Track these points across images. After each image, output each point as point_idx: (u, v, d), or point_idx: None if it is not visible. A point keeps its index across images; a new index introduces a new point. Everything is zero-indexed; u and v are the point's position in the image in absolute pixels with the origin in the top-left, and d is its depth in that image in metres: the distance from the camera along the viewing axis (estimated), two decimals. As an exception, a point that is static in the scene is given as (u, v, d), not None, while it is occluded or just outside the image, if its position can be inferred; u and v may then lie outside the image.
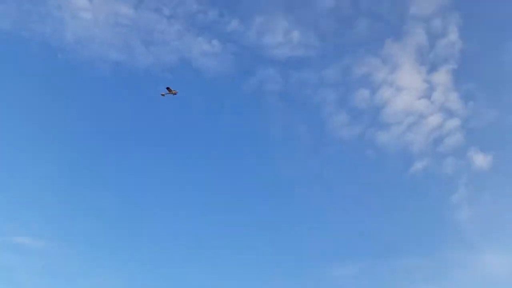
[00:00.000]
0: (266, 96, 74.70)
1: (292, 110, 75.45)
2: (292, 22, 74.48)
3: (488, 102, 67.35)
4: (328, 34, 74.25)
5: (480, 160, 64.68)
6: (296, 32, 74.01)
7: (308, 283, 58.83)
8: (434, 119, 68.21)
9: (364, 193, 67.70)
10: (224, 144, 74.99)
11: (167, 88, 56.39)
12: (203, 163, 73.21)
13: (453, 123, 67.48)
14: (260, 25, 74.89)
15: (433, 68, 70.03)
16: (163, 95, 57.26)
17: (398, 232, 63.35)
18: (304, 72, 74.65)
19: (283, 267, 61.58)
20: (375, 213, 65.79)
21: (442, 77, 69.25)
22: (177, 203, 68.83)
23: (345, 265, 60.33)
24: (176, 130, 75.54)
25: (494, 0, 70.90)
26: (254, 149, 74.00)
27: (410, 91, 69.96)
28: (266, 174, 71.04)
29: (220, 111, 77.05)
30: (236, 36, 74.73)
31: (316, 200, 68.12)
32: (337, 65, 73.51)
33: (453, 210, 63.61)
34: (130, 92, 76.73)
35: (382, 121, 70.00)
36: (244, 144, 74.40)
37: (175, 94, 56.53)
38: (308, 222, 66.29)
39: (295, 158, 71.68)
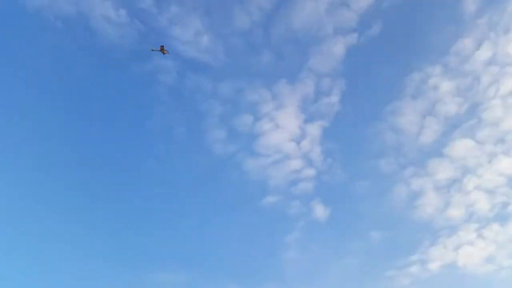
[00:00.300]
0: (156, 86, 74.38)
1: (177, 109, 76.02)
2: (206, 27, 74.46)
3: (342, 164, 73.16)
4: (235, 52, 76.02)
5: (320, 210, 69.70)
6: (206, 37, 74.55)
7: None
8: (296, 163, 73.39)
9: (214, 209, 71.47)
10: (96, 130, 73.17)
11: (161, 47, 54.69)
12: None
13: (310, 172, 72.52)
14: (174, 15, 73.26)
15: (310, 119, 75.27)
16: (153, 50, 55.62)
17: (226, 254, 67.50)
18: (201, 78, 75.86)
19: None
20: (216, 230, 69.88)
21: (314, 129, 74.39)
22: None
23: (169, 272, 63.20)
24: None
25: (374, 80, 76.54)
26: (122, 138, 74.17)
27: (285, 132, 75.04)
28: (127, 169, 72.10)
29: (103, 84, 74.90)
30: (146, 15, 72.49)
31: (166, 204, 70.87)
32: (233, 83, 75.81)
33: (284, 248, 68.40)
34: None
35: (254, 149, 74.20)
36: (112, 131, 73.89)
37: (165, 54, 55.60)
38: (149, 227, 68.45)
39: (161, 158, 73.54)
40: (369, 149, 75.20)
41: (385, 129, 73.77)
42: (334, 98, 75.46)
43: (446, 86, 70.15)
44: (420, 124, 71.20)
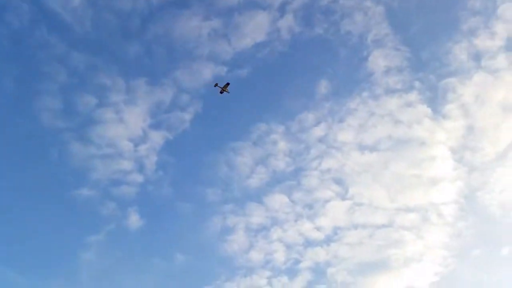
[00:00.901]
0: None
1: (13, 59, 69.11)
2: None
3: (172, 181, 74.02)
4: (105, 28, 72.85)
5: (135, 219, 69.03)
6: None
7: None
8: (126, 164, 72.49)
9: (20, 186, 66.22)
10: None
11: (227, 84, 58.05)
12: None
13: (137, 178, 72.12)
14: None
15: (157, 126, 76.03)
16: (217, 85, 58.26)
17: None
18: (56, 37, 70.37)
19: None
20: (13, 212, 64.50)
21: (157, 138, 75.43)
22: None
23: None
24: None
25: (227, 115, 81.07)
26: None
27: (127, 129, 73.90)
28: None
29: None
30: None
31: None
32: (90, 58, 72.04)
33: (84, 248, 65.13)
34: None
35: (86, 135, 70.75)
36: None
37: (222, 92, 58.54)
38: None
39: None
40: (202, 175, 77.19)
41: (222, 162, 77.20)
42: (187, 116, 75.94)
43: (283, 145, 78.58)
44: (252, 169, 77.18)
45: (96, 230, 65.98)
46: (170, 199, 72.27)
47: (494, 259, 68.10)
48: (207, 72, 76.93)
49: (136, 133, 72.42)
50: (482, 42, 75.38)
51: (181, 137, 75.23)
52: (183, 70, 76.51)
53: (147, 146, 72.35)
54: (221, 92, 59.35)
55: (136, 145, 71.71)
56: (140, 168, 71.04)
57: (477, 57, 75.45)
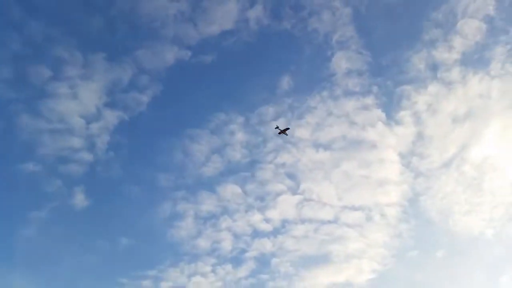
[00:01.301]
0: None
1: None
2: None
3: (121, 164, 73.39)
4: None
5: (80, 198, 67.70)
6: None
7: None
8: (76, 142, 70.65)
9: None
10: None
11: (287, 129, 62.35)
12: None
13: (87, 157, 70.87)
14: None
15: (113, 105, 74.23)
16: (277, 127, 62.41)
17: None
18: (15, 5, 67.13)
19: None
20: None
21: (112, 117, 73.69)
22: None
23: None
24: None
25: (187, 99, 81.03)
26: None
27: (80, 105, 71.96)
28: None
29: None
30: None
31: None
32: (49, 30, 69.35)
33: (25, 223, 64.07)
34: None
35: (37, 108, 68.47)
36: None
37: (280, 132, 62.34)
38: None
39: None
40: (156, 159, 76.39)
41: (177, 148, 76.76)
42: (145, 98, 74.82)
43: (240, 136, 79.05)
44: (208, 157, 77.21)
45: (39, 207, 64.50)
46: (119, 181, 71.40)
47: (429, 261, 71.97)
48: (170, 55, 75.83)
49: (89, 110, 70.66)
50: (440, 54, 78.43)
51: (137, 119, 74.15)
52: (145, 50, 75.06)
53: (100, 125, 70.82)
54: (279, 133, 62.71)
55: (88, 122, 70.02)
56: (91, 147, 69.56)
57: (434, 68, 78.54)
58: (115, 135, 71.89)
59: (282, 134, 63.68)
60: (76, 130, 69.17)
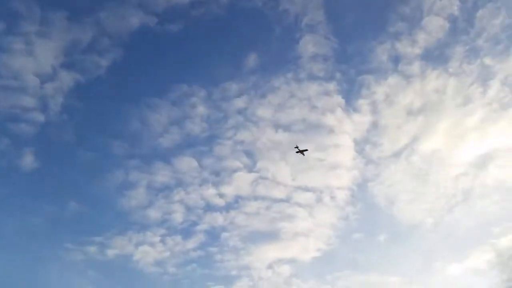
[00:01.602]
0: None
1: None
2: None
3: (75, 128, 72.53)
4: None
5: (29, 160, 67.13)
6: None
7: None
8: (28, 101, 68.99)
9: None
10: None
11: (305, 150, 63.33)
12: None
13: (39, 117, 69.27)
14: None
15: (69, 66, 72.96)
16: (296, 147, 63.50)
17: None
18: None
19: None
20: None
21: (68, 78, 72.07)
22: None
23: None
24: None
25: (150, 68, 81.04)
26: None
27: (35, 63, 69.42)
28: None
29: None
30: None
31: None
32: None
33: None
34: None
35: None
36: None
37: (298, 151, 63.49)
38: None
39: None
40: (111, 125, 75.06)
41: (134, 116, 75.57)
42: (105, 62, 73.37)
43: (202, 110, 78.93)
44: (166, 128, 76.58)
45: (-18, 164, 61.87)
46: (71, 145, 69.84)
47: (371, 244, 75.80)
48: (135, 20, 73.66)
49: (45, 69, 68.03)
50: (403, 47, 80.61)
51: (94, 83, 72.18)
52: (108, 13, 72.54)
53: (54, 85, 68.46)
54: (297, 152, 63.59)
55: (42, 82, 67.50)
56: (44, 108, 67.31)
57: (395, 60, 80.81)
58: (70, 97, 69.88)
59: (300, 154, 64.51)
60: (29, 89, 66.71)
